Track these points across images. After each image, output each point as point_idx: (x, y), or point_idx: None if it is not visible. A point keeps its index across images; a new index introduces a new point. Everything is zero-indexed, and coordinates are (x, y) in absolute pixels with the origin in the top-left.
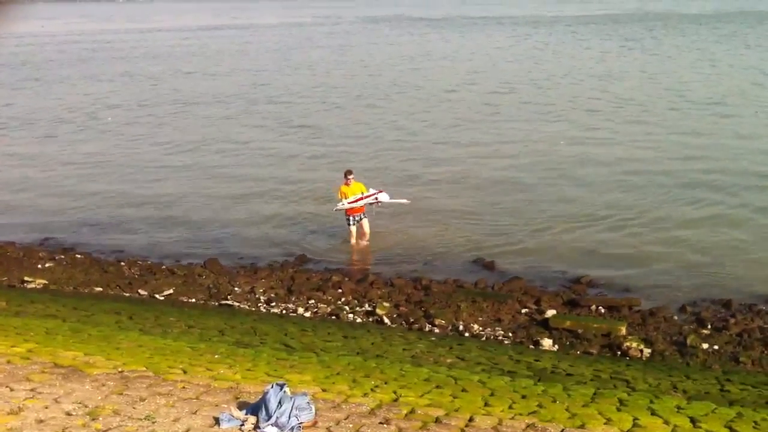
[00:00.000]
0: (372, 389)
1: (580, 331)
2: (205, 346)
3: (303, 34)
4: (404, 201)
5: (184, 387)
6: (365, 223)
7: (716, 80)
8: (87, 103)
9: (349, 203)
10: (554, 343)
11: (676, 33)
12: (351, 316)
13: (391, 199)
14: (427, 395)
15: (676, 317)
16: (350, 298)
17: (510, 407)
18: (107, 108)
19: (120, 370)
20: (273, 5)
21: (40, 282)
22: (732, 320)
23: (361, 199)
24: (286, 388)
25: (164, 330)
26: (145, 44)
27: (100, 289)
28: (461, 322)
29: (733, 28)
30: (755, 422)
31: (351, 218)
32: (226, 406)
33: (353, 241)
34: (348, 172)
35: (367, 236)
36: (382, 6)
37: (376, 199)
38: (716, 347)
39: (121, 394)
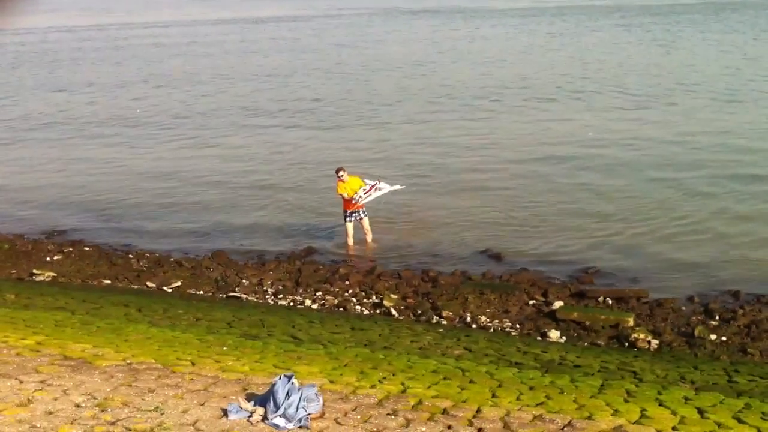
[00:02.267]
0: (380, 381)
1: (587, 322)
2: (214, 338)
3: (310, 28)
4: (398, 187)
5: (192, 379)
6: (366, 221)
7: (735, 71)
8: (103, 100)
9: (365, 193)
10: (562, 335)
11: (686, 22)
12: (358, 307)
13: (389, 186)
14: (435, 387)
15: (683, 308)
16: (357, 290)
17: (517, 398)
18: (124, 102)
19: (129, 362)
20: None
21: (48, 275)
22: (740, 311)
23: (371, 189)
24: (294, 380)
25: (172, 322)
26: (157, 39)
27: (109, 281)
28: (468, 314)
29: (737, 17)
30: (763, 413)
31: (349, 214)
32: (234, 397)
33: (350, 240)
34: (339, 170)
35: (370, 234)
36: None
37: (376, 186)
38: (724, 338)
39: (130, 385)
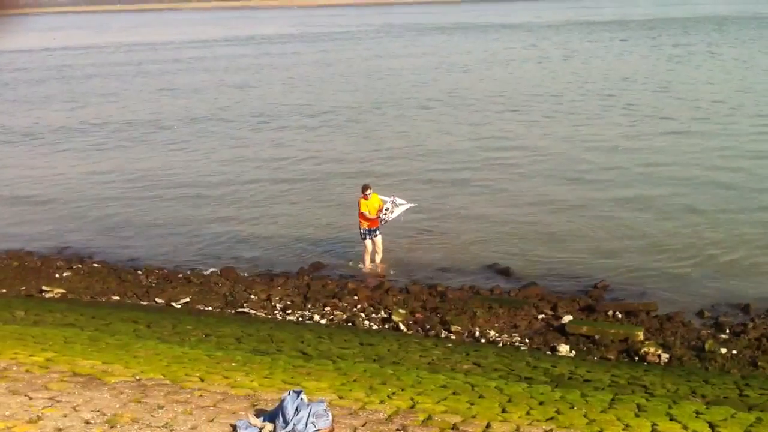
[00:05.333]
0: (389, 396)
1: (597, 336)
2: (222, 354)
3: (321, 46)
4: (412, 205)
5: (201, 395)
6: (379, 239)
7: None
8: (114, 114)
9: (389, 212)
10: (571, 349)
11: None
12: (367, 323)
13: (405, 202)
14: (444, 402)
15: (693, 322)
16: (366, 305)
17: (527, 413)
18: (138, 116)
19: (138, 378)
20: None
21: (58, 291)
22: (751, 324)
23: (392, 206)
24: (303, 395)
25: (181, 338)
26: (171, 58)
27: (118, 297)
28: (477, 329)
29: (744, 32)
30: None
31: (368, 232)
32: (243, 413)
33: (368, 257)
34: (366, 187)
35: (381, 253)
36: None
37: (394, 203)
38: (735, 352)
39: (139, 402)
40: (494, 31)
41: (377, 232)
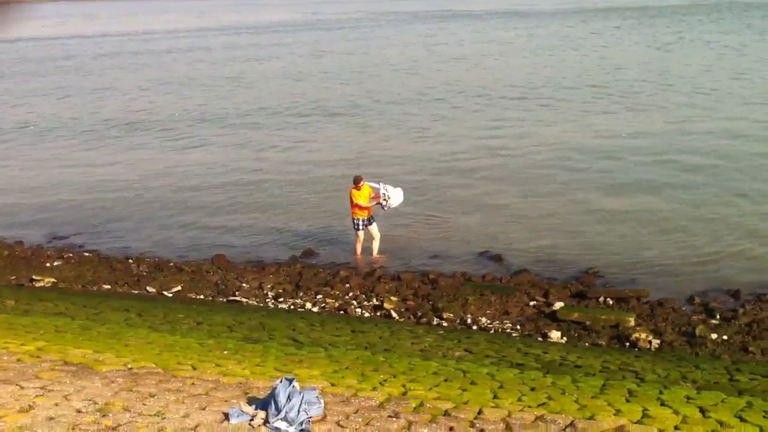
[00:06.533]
0: (381, 383)
1: (588, 322)
2: (214, 342)
3: (309, 38)
4: (400, 189)
5: (193, 383)
6: (374, 227)
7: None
8: (104, 106)
9: (387, 198)
10: (562, 335)
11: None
12: (359, 310)
13: (393, 187)
14: (436, 388)
15: (684, 308)
16: (358, 292)
17: (519, 399)
18: (125, 106)
19: (129, 366)
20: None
21: (48, 280)
22: (741, 310)
23: (386, 192)
24: (295, 383)
25: (173, 326)
26: (150, 46)
27: (109, 286)
28: (469, 316)
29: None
30: (765, 411)
31: (360, 221)
32: (235, 401)
33: (360, 247)
34: (359, 179)
35: (379, 240)
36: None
37: (386, 189)
38: (725, 337)
39: (131, 390)
40: (488, 17)
41: (372, 220)
